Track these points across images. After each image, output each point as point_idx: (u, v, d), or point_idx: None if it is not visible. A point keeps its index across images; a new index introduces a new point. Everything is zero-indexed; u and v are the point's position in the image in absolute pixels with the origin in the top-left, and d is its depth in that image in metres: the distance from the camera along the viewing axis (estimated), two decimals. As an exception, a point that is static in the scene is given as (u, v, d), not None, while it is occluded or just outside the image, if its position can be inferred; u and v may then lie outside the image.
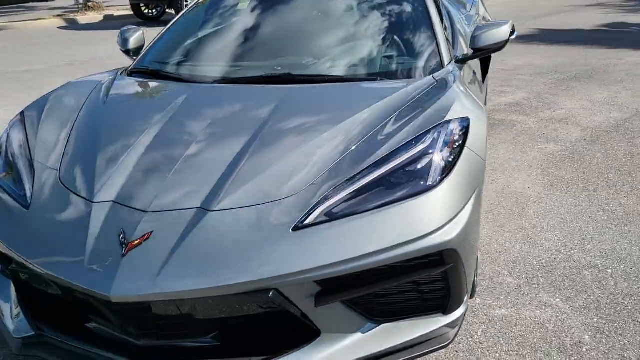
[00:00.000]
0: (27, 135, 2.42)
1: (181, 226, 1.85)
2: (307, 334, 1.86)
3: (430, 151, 2.02)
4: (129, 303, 1.74)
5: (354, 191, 1.91)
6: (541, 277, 2.68)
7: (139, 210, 1.92)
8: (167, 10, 15.38)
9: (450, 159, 2.02)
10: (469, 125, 2.17)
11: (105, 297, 1.72)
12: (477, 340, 2.28)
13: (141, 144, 2.24)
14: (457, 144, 2.08)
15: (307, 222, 1.83)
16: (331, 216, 1.85)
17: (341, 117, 2.27)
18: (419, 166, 1.98)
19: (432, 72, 2.68)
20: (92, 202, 1.99)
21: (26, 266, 1.93)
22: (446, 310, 1.98)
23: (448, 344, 2.01)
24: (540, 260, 2.83)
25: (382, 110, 2.30)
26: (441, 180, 1.94)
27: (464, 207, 1.95)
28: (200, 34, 3.23)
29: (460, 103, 2.30)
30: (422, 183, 1.93)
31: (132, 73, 3.07)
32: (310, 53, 2.87)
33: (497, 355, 2.20)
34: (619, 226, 3.14)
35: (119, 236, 1.84)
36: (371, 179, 1.94)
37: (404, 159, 1.99)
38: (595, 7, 13.67)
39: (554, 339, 2.27)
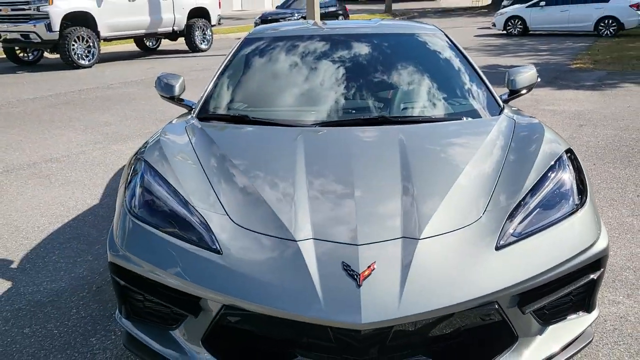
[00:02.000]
0: (170, 183, 2.41)
1: (398, 254, 2.02)
2: (506, 340, 2.11)
3: (567, 176, 2.41)
4: (374, 330, 1.88)
5: (523, 215, 2.23)
6: (595, 280, 3.16)
7: (348, 244, 2.06)
8: (46, 55, 14.55)
9: (581, 181, 2.43)
10: (573, 152, 2.62)
11: (355, 327, 1.85)
12: (585, 336, 2.67)
13: (298, 183, 2.36)
14: (577, 169, 2.51)
15: (502, 242, 2.11)
16: (518, 236, 2.14)
17: (467, 151, 2.59)
18: (564, 189, 2.36)
19: (500, 111, 3.11)
20: (296, 240, 2.08)
21: (242, 309, 1.97)
22: (589, 310, 2.34)
23: (592, 340, 2.36)
24: (584, 267, 3.32)
25: (495, 144, 2.66)
26: (585, 199, 2.34)
27: (600, 219, 2.36)
28: (273, 79, 3.37)
29: (557, 136, 2.75)
30: (572, 202, 2.31)
31: (206, 119, 3.12)
32: (393, 98, 3.16)
33: (609, 347, 2.60)
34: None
35: (345, 269, 1.97)
36: (534, 204, 2.27)
37: (552, 185, 2.35)
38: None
39: (642, 327, 2.73)
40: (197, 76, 11.39)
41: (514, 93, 3.48)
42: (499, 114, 3.07)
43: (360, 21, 4.06)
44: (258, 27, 4.04)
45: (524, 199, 2.29)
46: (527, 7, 20.06)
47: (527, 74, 3.47)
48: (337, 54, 3.44)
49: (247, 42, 3.70)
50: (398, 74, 3.32)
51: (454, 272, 1.99)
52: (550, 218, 2.24)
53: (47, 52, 13.94)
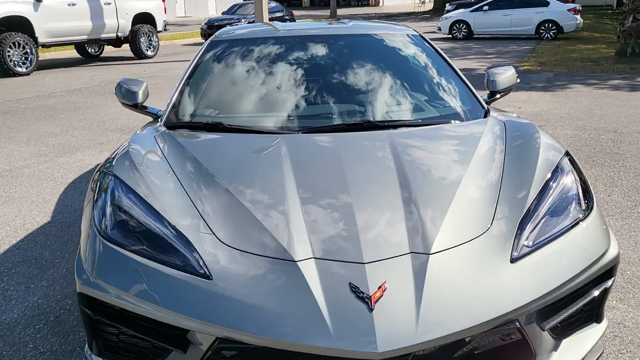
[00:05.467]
0: (144, 199, 2.14)
1: (409, 271, 1.84)
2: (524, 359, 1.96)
3: (571, 181, 2.29)
4: (393, 358, 1.69)
5: (533, 224, 2.09)
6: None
7: (354, 262, 1.86)
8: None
9: (584, 185, 2.32)
10: (571, 155, 2.51)
11: (371, 357, 1.65)
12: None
13: (289, 196, 2.15)
14: (578, 172, 2.39)
15: (516, 254, 1.96)
16: (531, 246, 2.00)
17: (463, 156, 2.44)
18: (570, 195, 2.24)
19: (486, 113, 2.98)
20: (295, 261, 1.87)
21: (239, 341, 1.73)
22: (598, 320, 2.22)
23: (602, 352, 2.25)
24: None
25: (491, 148, 2.52)
26: (592, 204, 2.23)
27: (607, 223, 2.25)
28: (246, 83, 3.13)
29: (552, 138, 2.64)
30: (579, 208, 2.19)
31: (175, 127, 2.86)
32: (376, 101, 2.98)
33: (614, 355, 2.50)
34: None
35: (353, 291, 1.77)
36: (543, 211, 2.13)
37: (558, 191, 2.23)
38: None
39: None
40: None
41: (494, 94, 3.38)
42: (485, 116, 2.95)
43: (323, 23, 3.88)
44: (224, 29, 3.79)
45: (531, 206, 2.15)
46: (471, 11, 20.46)
47: (507, 74, 3.37)
48: (312, 56, 3.25)
49: (213, 44, 3.46)
50: (379, 76, 3.15)
51: (471, 288, 1.83)
52: (560, 225, 2.11)
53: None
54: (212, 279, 1.85)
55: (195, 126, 2.87)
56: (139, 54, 15.78)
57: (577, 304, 2.04)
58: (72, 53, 16.92)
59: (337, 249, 1.92)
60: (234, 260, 1.91)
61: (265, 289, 1.81)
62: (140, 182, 2.23)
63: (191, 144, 2.63)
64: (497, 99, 3.38)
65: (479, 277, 1.86)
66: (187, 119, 2.96)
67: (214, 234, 2.01)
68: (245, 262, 1.90)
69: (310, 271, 1.83)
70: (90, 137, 6.82)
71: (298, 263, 1.86)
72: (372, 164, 2.38)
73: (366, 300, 1.74)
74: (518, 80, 3.49)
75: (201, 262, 1.91)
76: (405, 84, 3.14)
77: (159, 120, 3.02)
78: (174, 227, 2.03)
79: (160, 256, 1.95)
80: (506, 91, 3.35)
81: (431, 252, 1.90)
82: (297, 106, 2.95)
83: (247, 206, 2.11)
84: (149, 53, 16.06)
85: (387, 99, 3.01)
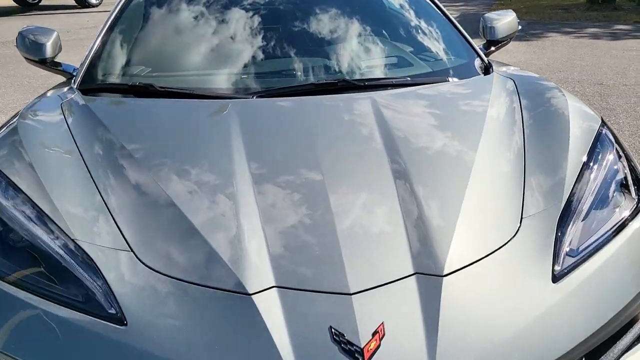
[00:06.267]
0: (32, 199, 1.50)
1: (415, 304, 1.27)
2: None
3: (616, 160, 1.75)
4: None
5: (575, 222, 1.54)
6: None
7: (335, 293, 1.28)
8: None
9: (632, 165, 1.79)
10: (606, 124, 1.96)
11: None
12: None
13: (241, 189, 1.54)
14: (621, 147, 1.85)
15: (558, 268, 1.42)
16: (576, 255, 1.46)
17: (470, 126, 1.86)
18: (617, 179, 1.70)
19: (487, 68, 2.39)
20: (249, 294, 1.27)
21: None
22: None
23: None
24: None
25: (505, 115, 1.94)
26: (644, 189, 1.69)
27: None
28: (185, 32, 2.43)
29: (578, 100, 2.08)
30: (632, 197, 1.65)
31: (92, 90, 2.18)
32: (353, 55, 2.33)
33: None
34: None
35: (336, 340, 1.19)
36: (587, 205, 1.58)
37: (602, 174, 1.68)
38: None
39: None
40: (88, 34, 9.95)
41: (492, 44, 2.77)
42: (488, 72, 2.36)
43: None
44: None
45: (570, 197, 1.59)
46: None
47: (507, 19, 2.77)
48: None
49: (144, -19, 2.73)
50: (356, 24, 2.49)
51: (504, 326, 1.28)
52: (608, 222, 1.57)
53: None
54: (126, 324, 1.25)
55: (119, 89, 2.20)
56: (82, 2, 14.49)
57: (634, 330, 1.52)
58: (7, 1, 15.45)
59: (310, 273, 1.33)
60: (160, 292, 1.31)
61: (205, 340, 1.22)
62: (27, 174, 1.58)
63: (110, 115, 1.97)
64: (494, 51, 2.77)
65: (513, 308, 1.31)
66: (108, 79, 2.28)
67: (132, 250, 1.39)
68: (176, 296, 1.30)
69: (270, 308, 1.25)
70: (18, 97, 5.99)
71: (253, 297, 1.27)
72: (353, 143, 1.76)
73: (357, 356, 1.17)
74: (520, 27, 2.89)
75: (111, 297, 1.30)
76: (388, 33, 2.51)
77: (73, 81, 2.33)
78: (73, 242, 1.40)
79: (51, 288, 1.33)
80: (506, 40, 2.76)
81: (444, 274, 1.33)
82: (252, 62, 2.29)
83: (181, 208, 1.49)
84: (93, 1, 14.76)
85: (366, 52, 2.37)
